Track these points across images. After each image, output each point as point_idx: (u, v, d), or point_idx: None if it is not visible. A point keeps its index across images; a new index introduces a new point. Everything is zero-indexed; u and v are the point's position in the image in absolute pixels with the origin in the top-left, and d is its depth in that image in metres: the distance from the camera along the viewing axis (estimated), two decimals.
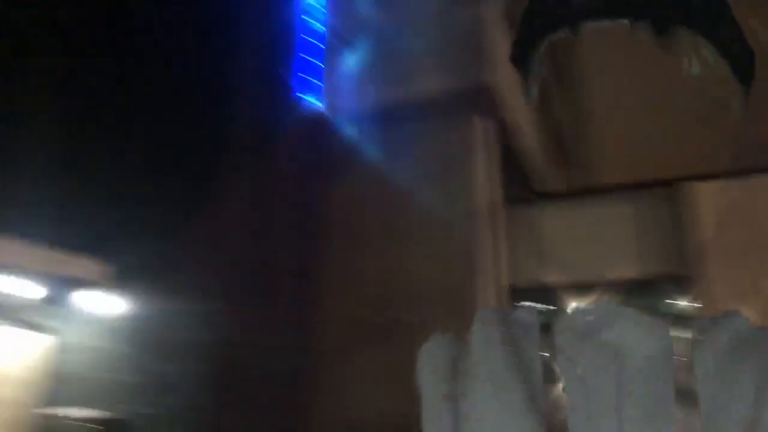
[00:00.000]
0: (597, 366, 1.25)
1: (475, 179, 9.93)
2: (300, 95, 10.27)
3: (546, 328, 1.50)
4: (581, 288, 9.74)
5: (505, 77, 9.63)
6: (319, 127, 10.27)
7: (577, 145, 14.85)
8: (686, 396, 1.28)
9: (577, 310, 1.45)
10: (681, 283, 9.26)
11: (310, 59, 10.61)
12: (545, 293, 9.85)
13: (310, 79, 10.48)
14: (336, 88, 10.49)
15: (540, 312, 1.54)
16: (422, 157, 9.76)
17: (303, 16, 10.78)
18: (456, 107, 10.06)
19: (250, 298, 8.79)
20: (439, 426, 1.48)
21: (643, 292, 9.51)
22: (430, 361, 1.64)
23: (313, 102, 10.39)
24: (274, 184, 9.83)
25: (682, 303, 9.25)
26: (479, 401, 1.41)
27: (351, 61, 10.50)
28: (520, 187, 12.46)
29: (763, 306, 8.47)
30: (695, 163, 9.83)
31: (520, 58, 1.96)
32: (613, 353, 1.30)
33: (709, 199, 9.23)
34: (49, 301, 6.46)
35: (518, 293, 9.93)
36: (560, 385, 1.35)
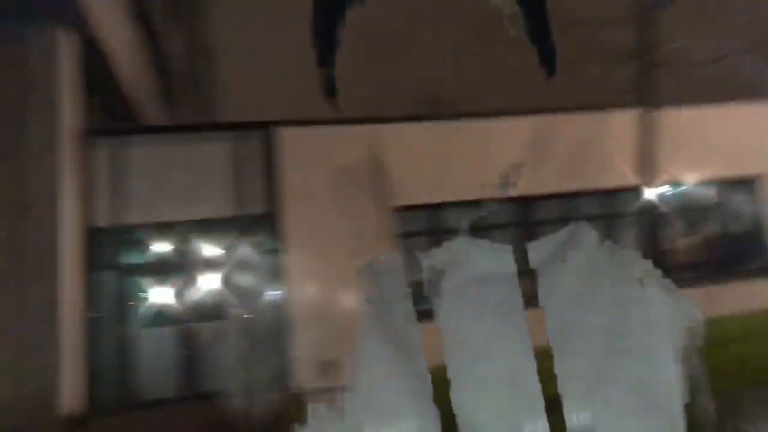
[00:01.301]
0: (464, 292, 1.23)
1: (58, 102, 8.63)
2: None
3: None
4: (167, 228, 9.50)
5: None
6: None
7: (191, 81, 14.44)
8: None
9: (434, 251, 1.35)
10: (269, 222, 9.86)
11: None
12: (127, 233, 9.31)
13: None
14: None
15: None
16: None
17: None
18: (35, 15, 8.50)
19: None
20: None
21: (231, 230, 9.80)
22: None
23: None
24: None
25: (271, 241, 9.88)
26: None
27: None
28: (114, 118, 11.43)
29: (337, 245, 9.67)
30: (288, 108, 10.51)
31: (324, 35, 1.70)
32: (475, 277, 1.31)
33: (293, 143, 9.99)
34: None
35: (97, 233, 9.14)
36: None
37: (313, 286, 9.47)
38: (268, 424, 7.53)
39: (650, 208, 9.46)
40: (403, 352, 1.45)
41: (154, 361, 9.40)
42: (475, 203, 9.64)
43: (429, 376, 1.37)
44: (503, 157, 9.56)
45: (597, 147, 10.66)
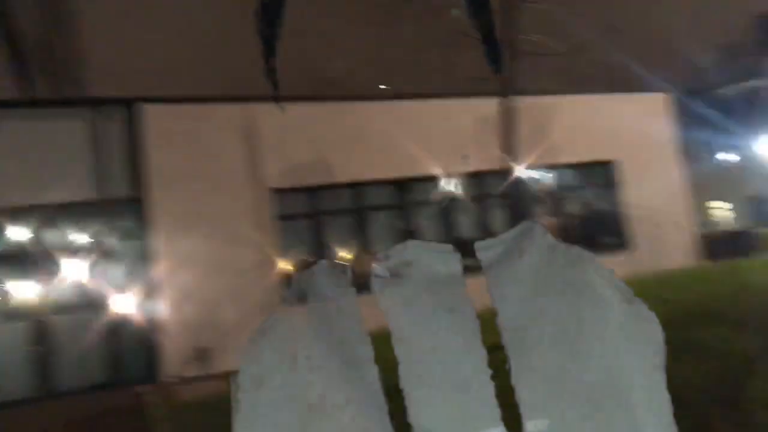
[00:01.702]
0: (414, 296, 1.25)
1: None
2: None
3: None
4: (21, 213, 8.70)
5: None
6: None
7: (47, 53, 13.22)
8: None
9: (382, 256, 1.32)
10: (135, 206, 9.29)
11: None
12: None
13: None
14: None
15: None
16: None
17: None
18: None
19: None
20: None
21: (94, 215, 9.13)
22: None
23: None
24: None
25: (134, 224, 9.31)
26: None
27: None
28: None
29: (210, 229, 9.31)
30: (154, 84, 9.91)
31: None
32: (425, 281, 1.26)
33: (157, 121, 9.43)
34: None
35: None
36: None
37: (185, 272, 9.07)
38: (134, 416, 7.19)
39: (513, 190, 10.02)
40: (353, 368, 1.28)
41: (7, 359, 8.61)
42: (354, 186, 9.72)
43: (381, 393, 1.30)
44: (381, 140, 9.64)
45: (459, 132, 11.10)
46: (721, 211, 28.10)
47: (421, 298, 1.23)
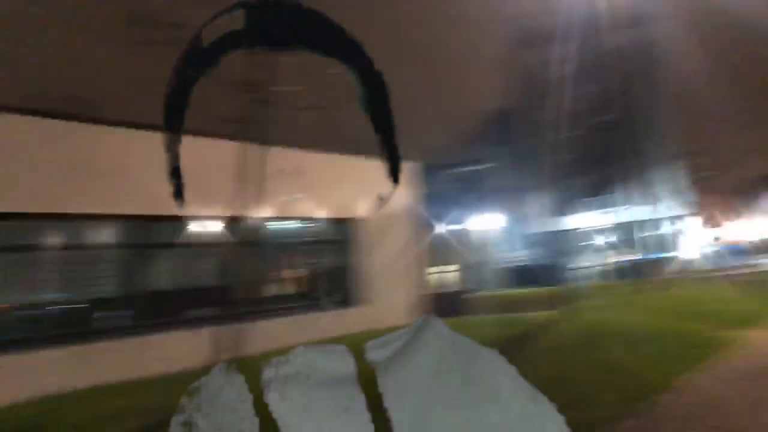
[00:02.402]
0: (309, 399, 1.14)
1: None
2: None
3: None
4: None
5: None
6: None
7: None
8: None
9: (275, 361, 1.20)
10: None
11: None
12: None
13: None
14: None
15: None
16: None
17: None
18: None
19: None
20: None
21: None
22: None
23: None
24: None
25: None
26: None
27: None
28: None
29: None
30: None
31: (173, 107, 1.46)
32: (318, 383, 1.22)
33: None
34: None
35: None
36: None
37: None
38: None
39: (253, 238, 9.85)
40: None
41: None
42: (65, 216, 8.39)
43: None
44: (116, 171, 8.58)
45: (204, 173, 10.62)
46: (446, 274, 31.77)
47: (316, 400, 1.21)
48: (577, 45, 36.82)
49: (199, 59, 1.34)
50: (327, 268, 13.65)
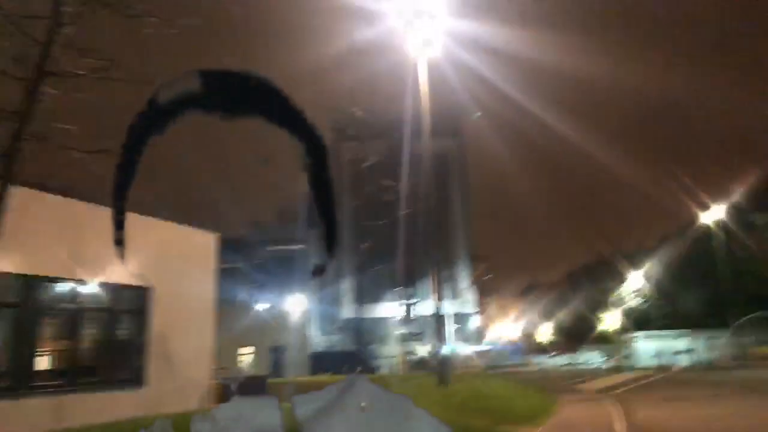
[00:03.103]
0: None
1: None
2: None
3: None
4: None
5: None
6: None
7: None
8: None
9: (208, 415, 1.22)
10: None
11: None
12: None
13: None
14: None
15: None
16: None
17: None
18: None
19: None
20: None
21: None
22: None
23: None
24: None
25: None
26: None
27: None
28: None
29: None
30: None
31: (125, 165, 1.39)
32: None
33: None
34: None
35: None
36: None
37: None
38: None
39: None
40: None
41: None
42: None
43: None
44: None
45: None
46: (246, 357, 30.16)
47: None
48: (392, 144, 39.67)
49: (152, 119, 1.41)
50: (111, 340, 11.85)
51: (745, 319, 33.41)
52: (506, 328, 58.34)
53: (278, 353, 30.88)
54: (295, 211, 40.75)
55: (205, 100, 1.33)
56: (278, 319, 31.75)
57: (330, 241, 1.35)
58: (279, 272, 36.25)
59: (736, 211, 35.56)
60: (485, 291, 51.10)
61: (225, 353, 19.60)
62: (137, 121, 1.40)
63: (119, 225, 1.49)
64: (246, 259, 35.91)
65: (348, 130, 42.48)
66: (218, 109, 1.35)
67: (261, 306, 32.17)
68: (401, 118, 32.96)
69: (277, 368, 29.09)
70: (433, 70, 16.91)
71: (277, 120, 1.32)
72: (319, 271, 1.46)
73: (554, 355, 47.55)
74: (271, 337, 30.89)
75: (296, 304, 33.28)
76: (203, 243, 14.12)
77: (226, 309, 19.73)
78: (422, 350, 36.67)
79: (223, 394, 13.96)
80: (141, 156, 1.43)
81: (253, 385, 15.34)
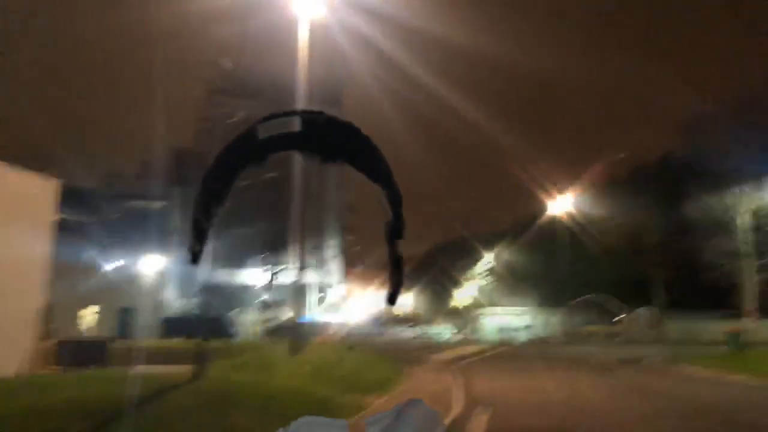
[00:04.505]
0: None
1: None
2: None
3: None
4: None
5: None
6: None
7: None
8: None
9: None
10: None
11: None
12: None
13: None
14: None
15: None
16: None
17: None
18: None
19: None
20: None
21: None
22: None
23: None
24: None
25: None
26: None
27: None
28: None
29: None
30: None
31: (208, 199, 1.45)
32: None
33: None
34: None
35: None
36: None
37: None
38: None
39: None
40: None
41: None
42: None
43: None
44: None
45: None
46: (89, 318, 28.01)
47: None
48: (267, 105, 38.37)
49: (248, 152, 1.40)
50: None
51: (578, 300, 37.20)
52: (368, 299, 59.92)
53: (127, 315, 29.02)
54: (160, 164, 38.18)
55: (304, 142, 1.35)
56: (129, 280, 29.79)
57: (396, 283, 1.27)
58: (136, 229, 33.90)
59: (581, 200, 39.10)
60: (351, 262, 51.89)
61: (62, 314, 17.92)
62: (230, 152, 1.40)
63: None
64: (97, 212, 33.17)
65: (217, 82, 40.38)
66: (317, 153, 1.38)
67: (111, 265, 29.95)
68: (280, 80, 31.94)
69: (124, 331, 27.34)
70: (319, 33, 16.45)
71: (366, 171, 1.34)
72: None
73: (410, 327, 49.67)
74: (120, 298, 28.95)
75: (151, 264, 31.42)
76: (37, 189, 12.49)
77: (68, 266, 17.99)
78: (282, 319, 36.48)
79: (56, 357, 12.78)
80: (230, 188, 1.44)
81: (90, 349, 14.13)
